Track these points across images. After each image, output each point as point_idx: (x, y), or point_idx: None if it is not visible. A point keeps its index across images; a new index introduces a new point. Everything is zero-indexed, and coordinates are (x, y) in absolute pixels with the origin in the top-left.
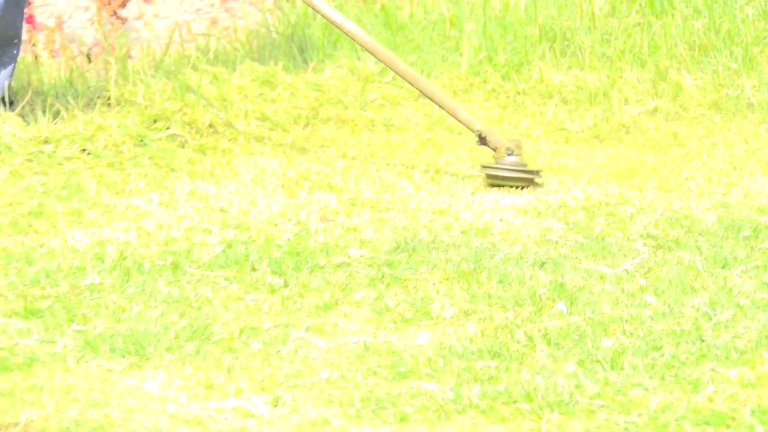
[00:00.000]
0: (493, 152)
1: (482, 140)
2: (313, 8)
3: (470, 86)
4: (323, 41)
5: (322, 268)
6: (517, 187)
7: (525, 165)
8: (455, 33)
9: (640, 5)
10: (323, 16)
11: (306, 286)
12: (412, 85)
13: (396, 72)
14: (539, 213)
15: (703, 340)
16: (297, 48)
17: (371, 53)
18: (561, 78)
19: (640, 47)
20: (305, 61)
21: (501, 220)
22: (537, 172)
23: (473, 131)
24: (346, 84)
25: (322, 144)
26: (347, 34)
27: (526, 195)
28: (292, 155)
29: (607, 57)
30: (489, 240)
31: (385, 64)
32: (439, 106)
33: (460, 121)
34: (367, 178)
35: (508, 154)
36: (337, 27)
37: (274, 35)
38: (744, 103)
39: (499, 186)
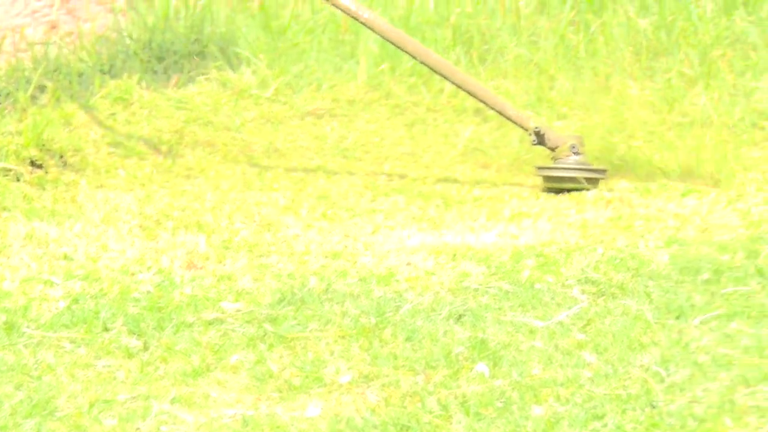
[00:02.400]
0: (551, 152)
1: (540, 138)
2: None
3: (370, 102)
4: (189, 48)
5: (190, 326)
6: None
7: (590, 164)
8: (350, 37)
9: (575, 0)
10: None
11: (170, 349)
12: (448, 79)
13: (429, 67)
14: (455, 255)
15: (654, 407)
16: (156, 57)
17: (397, 46)
18: None
19: (576, 51)
20: (167, 74)
21: (408, 264)
22: (604, 171)
23: (527, 129)
24: (217, 100)
25: (188, 174)
26: (364, 24)
27: (437, 235)
28: (151, 189)
29: (536, 64)
30: (394, 289)
31: (413, 56)
32: (484, 102)
33: (510, 119)
34: (243, 215)
35: (574, 153)
36: (351, 16)
37: (128, 42)
38: (701, 116)
39: (560, 190)
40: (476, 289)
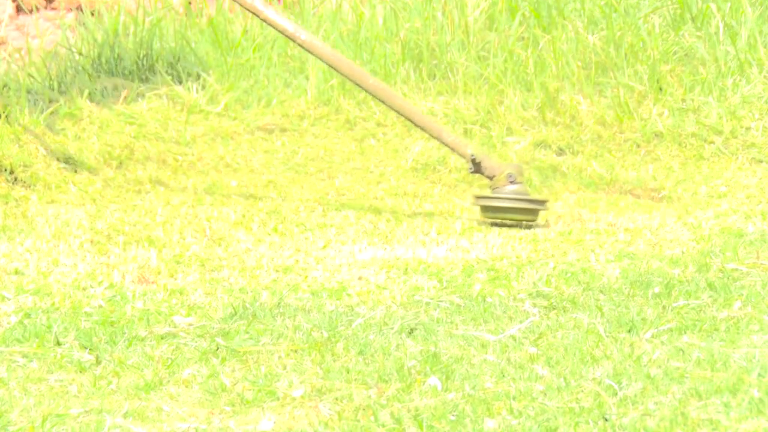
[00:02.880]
0: (489, 181)
1: (476, 167)
2: (252, 12)
3: (320, 117)
4: (138, 63)
5: (143, 340)
6: (519, 223)
7: (529, 194)
8: (300, 52)
9: (524, 15)
10: (268, 23)
11: (123, 363)
12: (385, 104)
13: (366, 90)
14: (406, 269)
15: (606, 420)
16: (105, 73)
17: (334, 68)
18: (429, 105)
19: (525, 66)
20: (116, 89)
21: (360, 279)
22: (544, 203)
23: (464, 157)
24: (167, 116)
25: (139, 189)
26: (302, 47)
27: (388, 249)
28: (102, 203)
29: (485, 79)
30: (346, 303)
31: (351, 80)
32: (421, 128)
33: (446, 145)
34: (194, 230)
35: (510, 182)
36: (289, 37)
37: (77, 57)
38: (650, 132)
39: (498, 220)
40: (428, 303)
